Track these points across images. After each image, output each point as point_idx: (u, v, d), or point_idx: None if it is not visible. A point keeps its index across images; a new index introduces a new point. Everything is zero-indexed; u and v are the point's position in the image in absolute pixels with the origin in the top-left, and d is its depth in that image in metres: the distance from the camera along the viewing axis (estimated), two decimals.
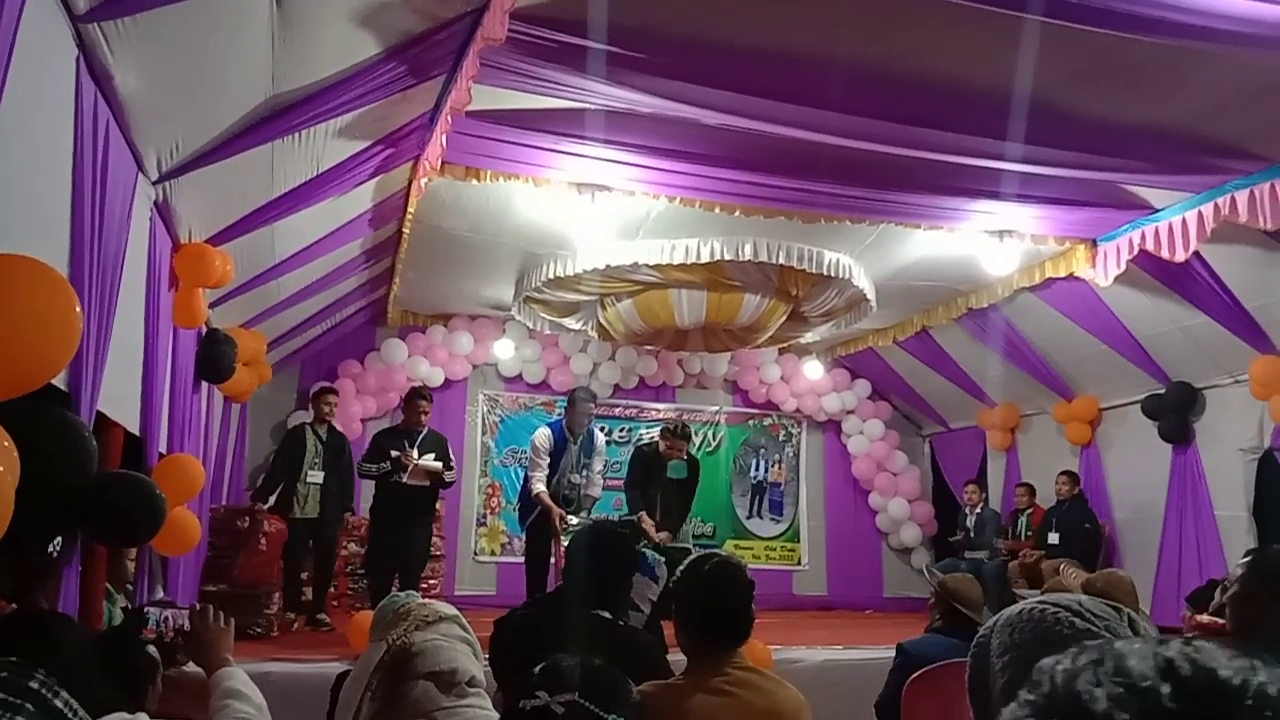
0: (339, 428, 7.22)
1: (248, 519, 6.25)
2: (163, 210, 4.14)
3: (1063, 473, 8.32)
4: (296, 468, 6.65)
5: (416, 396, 6.81)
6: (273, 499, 6.62)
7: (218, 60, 3.40)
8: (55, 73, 2.72)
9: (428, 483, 6.58)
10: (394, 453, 6.43)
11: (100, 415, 3.37)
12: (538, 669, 1.44)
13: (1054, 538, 8.00)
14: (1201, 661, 0.55)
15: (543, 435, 6.60)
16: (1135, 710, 0.54)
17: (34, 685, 1.34)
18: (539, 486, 6.40)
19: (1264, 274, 5.84)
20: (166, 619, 2.51)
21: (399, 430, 6.72)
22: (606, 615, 2.74)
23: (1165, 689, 0.54)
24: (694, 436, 7.43)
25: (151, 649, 2.08)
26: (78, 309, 2.38)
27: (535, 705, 1.38)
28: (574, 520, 6.35)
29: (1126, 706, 0.54)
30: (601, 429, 9.47)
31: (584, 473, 6.61)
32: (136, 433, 4.09)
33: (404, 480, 6.44)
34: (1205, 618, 5.10)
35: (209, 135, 3.78)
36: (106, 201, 3.16)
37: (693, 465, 7.00)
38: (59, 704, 1.35)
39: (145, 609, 2.60)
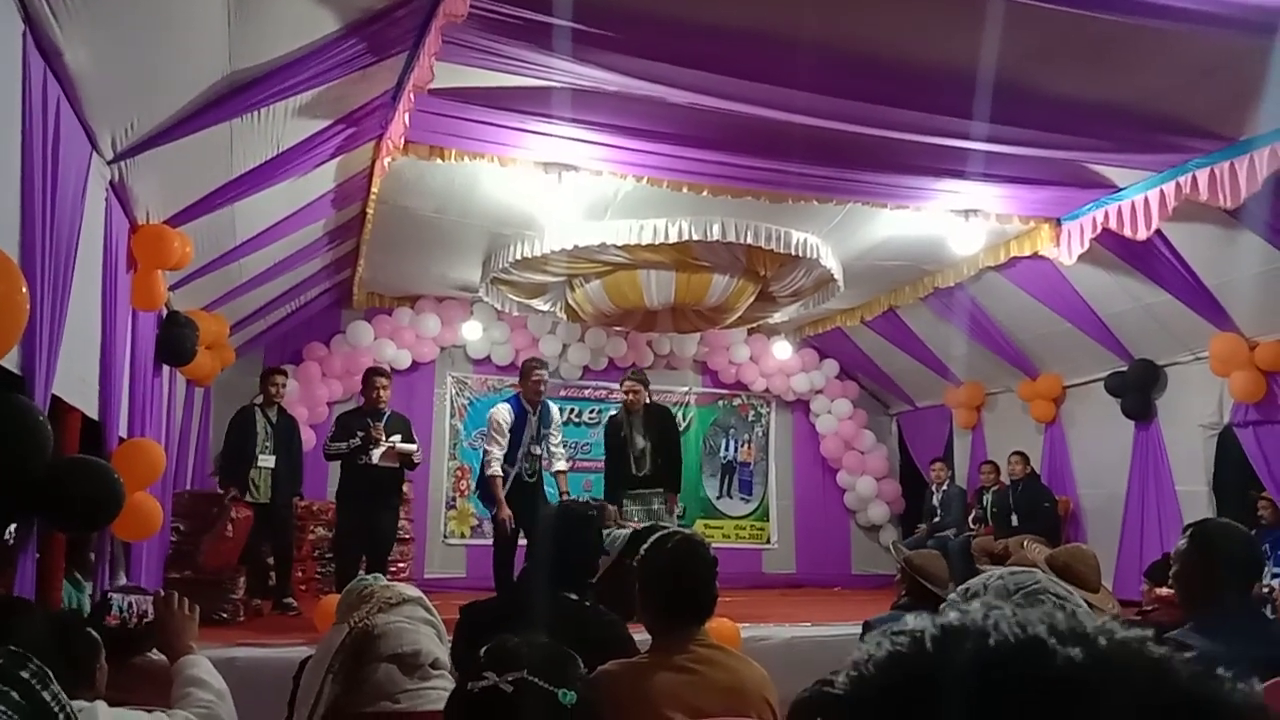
0: (288, 410, 7.12)
1: (218, 505, 6.15)
2: (119, 190, 4.06)
3: (1014, 453, 8.35)
4: (250, 451, 6.55)
5: (374, 374, 6.73)
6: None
7: (173, 35, 3.33)
8: (0, 49, 2.64)
9: (397, 464, 6.54)
10: (360, 433, 6.36)
11: (57, 400, 3.32)
12: (483, 650, 1.43)
13: (1014, 519, 8.01)
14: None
15: (502, 411, 6.54)
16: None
17: (25, 675, 1.37)
18: (494, 468, 6.37)
19: (1224, 252, 5.90)
20: (130, 605, 2.47)
21: (363, 411, 6.65)
22: (572, 596, 2.73)
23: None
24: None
25: (90, 631, 2.06)
26: (24, 289, 2.32)
27: (483, 685, 1.36)
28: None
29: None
30: (570, 410, 9.51)
31: (543, 444, 6.59)
32: (95, 417, 4.02)
33: (373, 461, 6.37)
34: (1164, 591, 5.23)
35: (165, 113, 3.70)
36: (59, 181, 3.09)
37: (661, 414, 7.03)
38: (46, 696, 1.37)
39: (109, 594, 2.55)
